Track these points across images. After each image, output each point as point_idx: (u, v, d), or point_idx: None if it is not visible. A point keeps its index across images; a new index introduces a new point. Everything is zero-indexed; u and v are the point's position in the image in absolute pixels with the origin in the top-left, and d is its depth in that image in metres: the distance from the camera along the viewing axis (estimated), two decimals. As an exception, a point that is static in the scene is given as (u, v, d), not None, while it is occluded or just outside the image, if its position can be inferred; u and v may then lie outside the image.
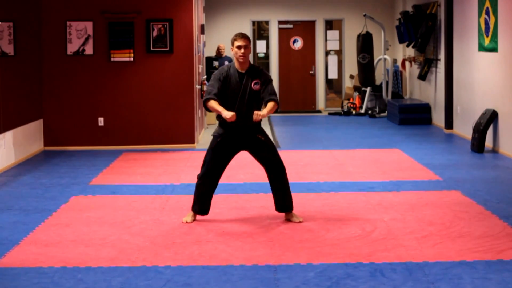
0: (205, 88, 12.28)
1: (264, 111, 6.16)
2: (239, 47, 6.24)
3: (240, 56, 6.24)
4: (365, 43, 15.58)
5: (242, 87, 6.26)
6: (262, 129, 6.49)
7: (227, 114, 6.08)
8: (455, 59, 12.44)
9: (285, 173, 6.42)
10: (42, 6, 10.87)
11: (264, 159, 6.39)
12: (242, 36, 6.26)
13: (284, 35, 16.82)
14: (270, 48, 16.76)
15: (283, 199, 6.42)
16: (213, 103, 6.18)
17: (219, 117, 6.30)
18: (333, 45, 17.02)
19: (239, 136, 6.34)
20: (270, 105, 6.21)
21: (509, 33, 9.85)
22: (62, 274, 5.04)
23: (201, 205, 6.45)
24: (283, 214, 6.53)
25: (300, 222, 6.40)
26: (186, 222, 6.40)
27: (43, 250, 5.62)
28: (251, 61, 16.85)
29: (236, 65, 6.30)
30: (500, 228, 6.14)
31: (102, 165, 9.50)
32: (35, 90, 10.68)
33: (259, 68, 6.40)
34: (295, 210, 6.62)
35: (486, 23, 10.67)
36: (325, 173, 8.80)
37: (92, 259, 5.38)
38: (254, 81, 6.27)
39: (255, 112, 6.14)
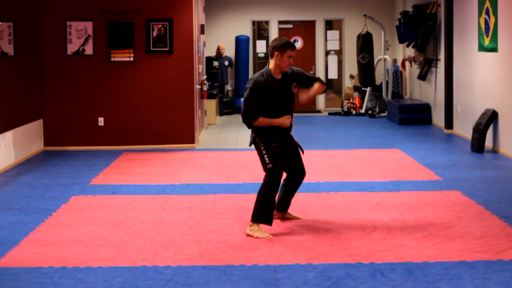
0: (205, 88, 12.27)
1: (311, 91, 6.15)
2: (290, 57, 6.06)
3: (289, 65, 6.11)
4: (365, 43, 15.57)
5: (282, 93, 6.09)
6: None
7: (282, 121, 6.04)
8: (455, 59, 12.44)
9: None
10: (42, 6, 10.86)
11: (294, 161, 6.28)
12: (294, 46, 6.13)
13: (284, 35, 16.80)
14: (270, 48, 16.74)
15: (289, 201, 6.44)
16: (262, 120, 6.01)
17: (260, 127, 6.06)
18: (333, 45, 17.02)
19: (282, 140, 6.18)
20: (317, 85, 6.18)
21: (509, 33, 9.85)
22: (62, 274, 5.04)
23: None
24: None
25: (299, 219, 6.46)
26: (269, 237, 5.96)
27: (43, 250, 5.62)
28: (251, 61, 16.90)
29: (274, 72, 6.08)
30: (500, 228, 6.13)
31: (102, 165, 9.50)
32: (35, 90, 10.68)
33: (290, 69, 6.22)
34: (295, 210, 6.64)
35: (486, 23, 10.67)
36: (325, 173, 8.80)
37: (92, 259, 5.38)
38: (294, 85, 6.17)
39: (304, 91, 6.12)
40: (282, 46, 6.04)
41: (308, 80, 6.25)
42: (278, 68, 6.09)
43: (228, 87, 16.60)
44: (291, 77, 6.17)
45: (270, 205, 6.00)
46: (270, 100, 6.04)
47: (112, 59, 10.91)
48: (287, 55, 6.05)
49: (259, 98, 6.01)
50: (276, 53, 6.06)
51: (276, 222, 6.40)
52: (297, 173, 6.30)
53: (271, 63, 6.12)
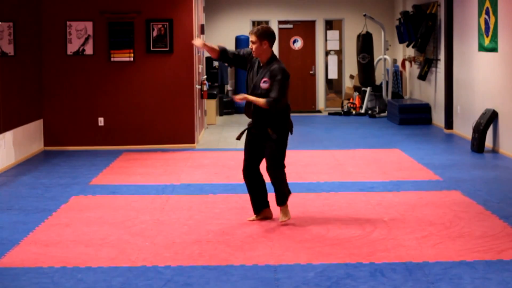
0: (205, 88, 12.27)
1: (250, 97, 6.12)
2: (251, 42, 6.21)
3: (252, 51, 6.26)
4: (365, 43, 15.58)
5: (255, 79, 6.20)
6: (278, 126, 6.24)
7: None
8: (455, 59, 12.44)
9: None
10: (42, 6, 10.86)
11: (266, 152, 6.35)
12: (252, 32, 6.16)
13: (284, 35, 16.82)
14: (270, 48, 16.75)
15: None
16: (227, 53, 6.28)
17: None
18: (333, 45, 17.02)
19: (254, 129, 6.32)
20: (261, 100, 6.07)
21: (509, 33, 9.85)
22: (62, 274, 5.04)
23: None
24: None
25: (288, 219, 6.35)
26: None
27: (43, 250, 5.62)
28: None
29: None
30: (500, 228, 6.14)
31: (102, 165, 9.50)
32: (35, 90, 10.68)
33: (274, 64, 6.15)
34: (295, 210, 6.63)
35: (486, 23, 10.67)
36: (325, 173, 8.80)
37: (92, 259, 5.38)
38: (264, 79, 6.14)
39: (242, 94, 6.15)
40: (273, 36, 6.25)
41: (269, 91, 6.09)
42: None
43: (228, 87, 16.60)
44: (267, 73, 6.12)
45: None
46: (247, 77, 6.30)
47: (112, 59, 10.91)
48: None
49: (241, 59, 6.33)
50: (264, 41, 6.16)
51: (276, 222, 6.40)
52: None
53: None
